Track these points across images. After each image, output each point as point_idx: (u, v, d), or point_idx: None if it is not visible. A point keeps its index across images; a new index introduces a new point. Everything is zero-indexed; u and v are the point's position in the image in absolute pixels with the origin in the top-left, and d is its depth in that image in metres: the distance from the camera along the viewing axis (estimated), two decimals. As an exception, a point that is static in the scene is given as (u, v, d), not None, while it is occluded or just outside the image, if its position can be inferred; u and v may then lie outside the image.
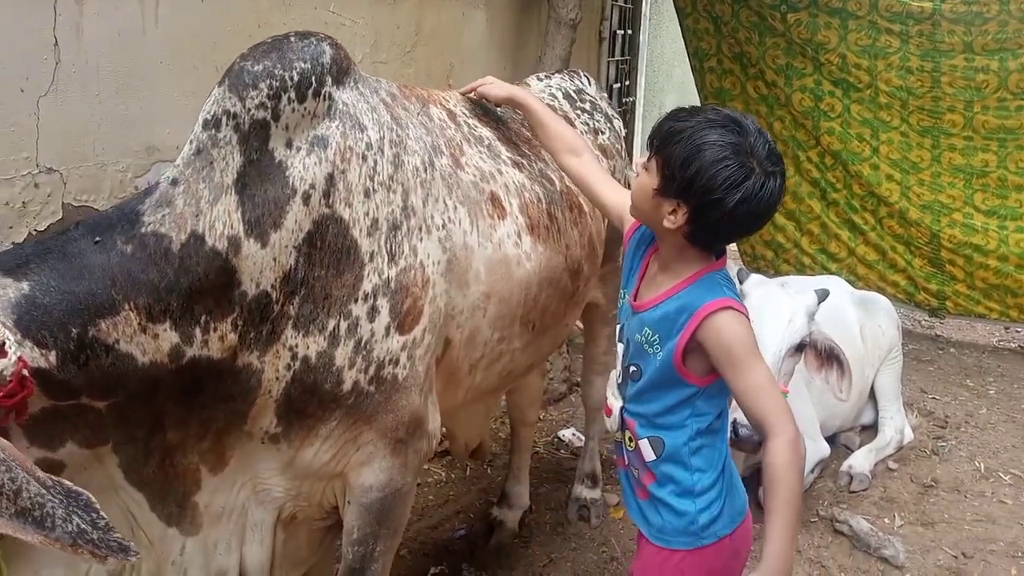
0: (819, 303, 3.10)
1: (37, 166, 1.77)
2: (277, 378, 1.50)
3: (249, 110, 1.42)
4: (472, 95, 2.13)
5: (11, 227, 1.74)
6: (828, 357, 3.08)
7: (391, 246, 1.60)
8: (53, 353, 1.22)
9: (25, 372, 1.15)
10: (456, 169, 1.85)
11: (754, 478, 3.43)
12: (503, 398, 3.35)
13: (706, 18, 5.24)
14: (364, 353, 1.57)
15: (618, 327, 1.75)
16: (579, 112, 2.57)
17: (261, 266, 1.43)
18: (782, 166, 1.47)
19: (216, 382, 1.45)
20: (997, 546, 3.11)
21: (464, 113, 2.06)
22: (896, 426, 3.81)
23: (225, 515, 1.62)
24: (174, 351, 1.35)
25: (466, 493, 3.44)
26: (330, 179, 1.51)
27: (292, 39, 1.52)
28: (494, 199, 1.93)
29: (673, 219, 1.48)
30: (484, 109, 2.17)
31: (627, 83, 6.48)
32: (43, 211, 1.80)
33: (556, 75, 2.75)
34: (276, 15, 2.36)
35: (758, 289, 3.13)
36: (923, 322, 5.51)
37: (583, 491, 3.27)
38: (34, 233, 1.77)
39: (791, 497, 1.42)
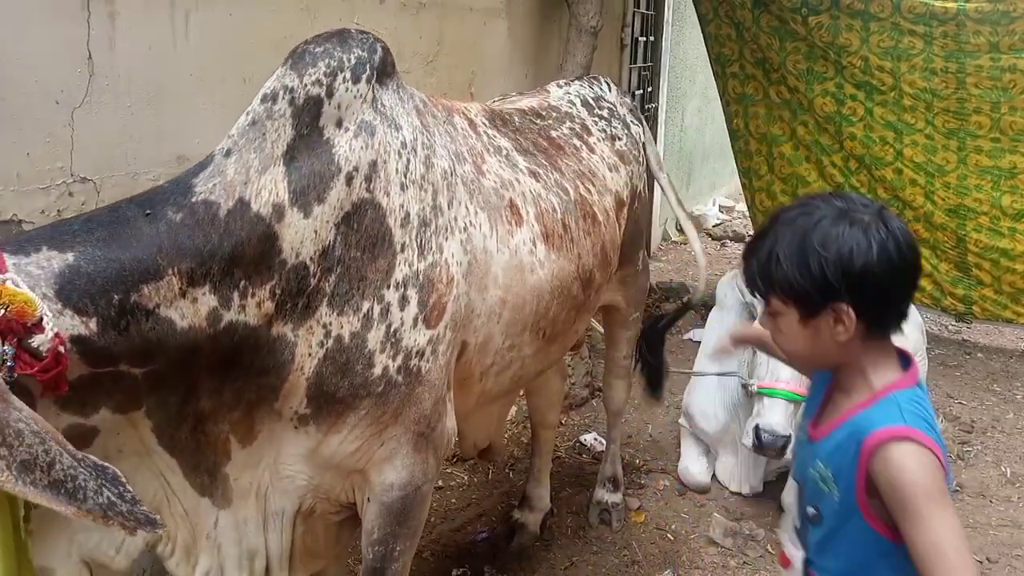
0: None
1: (72, 175, 1.84)
2: (310, 354, 1.53)
3: (305, 86, 1.49)
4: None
5: (47, 234, 1.80)
6: None
7: (421, 240, 1.65)
8: (94, 320, 1.25)
9: (61, 348, 1.18)
10: (478, 176, 1.89)
11: (779, 480, 3.45)
12: (523, 401, 3.39)
13: (728, 24, 5.24)
14: (394, 340, 1.60)
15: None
16: (596, 119, 2.61)
17: (302, 236, 1.47)
18: (877, 203, 1.31)
19: (252, 352, 1.48)
20: (1023, 551, 3.08)
21: (484, 124, 2.11)
22: (920, 431, 3.78)
23: (252, 492, 1.65)
24: (212, 315, 1.39)
25: (488, 496, 3.47)
26: (373, 166, 1.57)
27: (353, 31, 1.60)
28: (513, 206, 1.97)
29: (842, 328, 1.27)
30: (503, 120, 2.21)
31: (649, 89, 6.50)
32: (78, 219, 1.86)
33: (576, 81, 2.79)
34: (302, 28, 2.42)
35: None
36: (950, 327, 5.45)
37: (604, 495, 3.28)
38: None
39: None
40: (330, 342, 1.54)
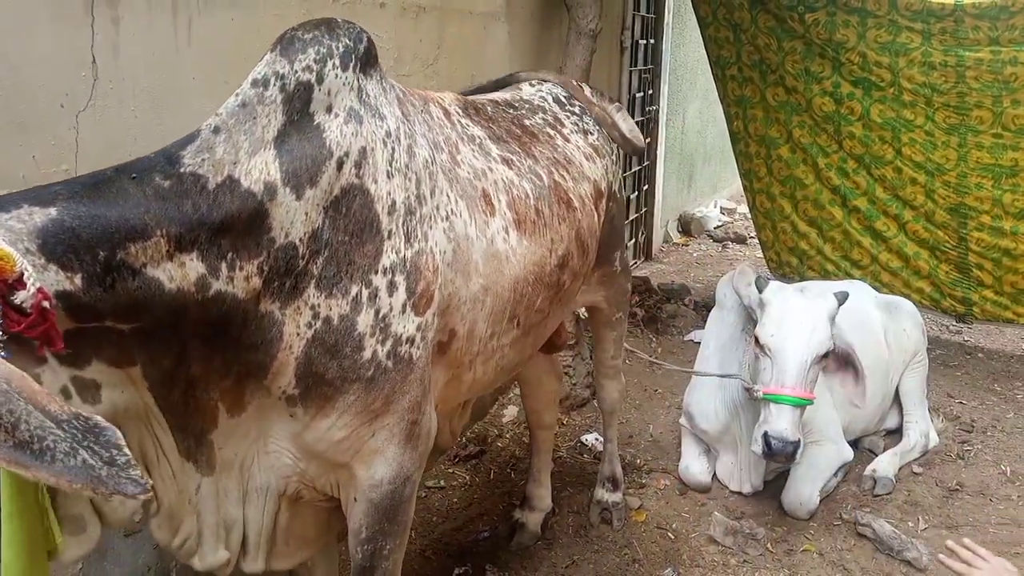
0: (839, 306, 3.11)
1: (76, 178, 1.86)
2: (298, 334, 1.53)
3: (296, 72, 1.50)
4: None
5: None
6: (845, 363, 3.09)
7: (407, 228, 1.66)
8: (79, 275, 1.23)
9: (46, 304, 1.15)
10: (454, 165, 1.90)
11: (779, 480, 3.47)
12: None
13: (726, 26, 5.26)
14: (383, 325, 1.61)
15: None
16: (569, 113, 2.61)
17: (292, 217, 1.48)
18: None
19: (240, 326, 1.48)
20: (1022, 549, 3.10)
21: (458, 112, 2.11)
22: (921, 430, 3.80)
23: (236, 464, 1.65)
24: (200, 281, 1.38)
25: (490, 496, 3.49)
26: (362, 152, 1.58)
27: (340, 20, 1.62)
28: (485, 196, 1.97)
29: None
30: (476, 109, 2.22)
31: (650, 92, 6.52)
32: (82, 221, 1.88)
33: (547, 83, 2.75)
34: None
35: (778, 296, 3.15)
36: (950, 327, 5.46)
37: (604, 494, 3.31)
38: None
39: None
40: (318, 323, 1.55)
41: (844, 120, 5.07)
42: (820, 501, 3.37)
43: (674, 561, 3.08)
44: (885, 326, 3.87)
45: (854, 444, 3.68)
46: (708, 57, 5.54)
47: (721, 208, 8.88)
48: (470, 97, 2.31)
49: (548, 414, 3.24)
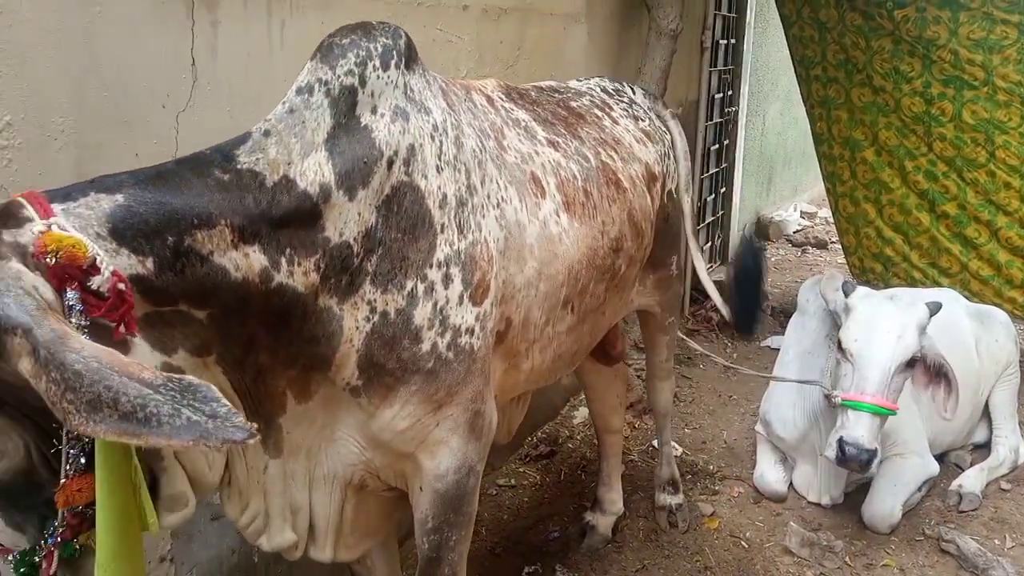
0: (930, 316, 3.01)
1: (175, 176, 1.93)
2: (358, 328, 1.56)
3: (339, 76, 1.53)
4: None
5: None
6: (936, 374, 2.98)
7: (459, 220, 1.67)
8: (150, 260, 1.26)
9: (121, 286, 1.18)
10: (501, 151, 1.90)
11: (859, 492, 3.37)
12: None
13: (811, 25, 5.13)
14: (441, 318, 1.63)
15: None
16: (617, 100, 2.58)
17: (346, 217, 1.51)
18: None
19: (301, 319, 1.51)
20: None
21: (501, 98, 2.10)
22: (1011, 445, 3.65)
23: (304, 450, 1.69)
24: (264, 273, 1.42)
25: (560, 497, 3.50)
26: (411, 149, 1.60)
27: (375, 22, 1.64)
28: (534, 179, 1.96)
29: None
30: (519, 94, 2.21)
31: (729, 93, 6.42)
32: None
33: (594, 78, 2.74)
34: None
35: (865, 302, 3.07)
36: (1045, 339, 5.21)
37: (666, 498, 3.32)
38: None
39: None
40: (376, 317, 1.57)
41: (935, 121, 4.89)
42: (902, 515, 3.27)
43: (747, 570, 3.03)
44: (976, 336, 3.73)
45: (940, 458, 3.55)
46: (791, 57, 5.41)
47: (801, 212, 8.66)
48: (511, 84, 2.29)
49: (615, 418, 3.22)
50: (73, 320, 1.13)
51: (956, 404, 2.94)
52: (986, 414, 3.78)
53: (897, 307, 3.01)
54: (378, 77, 1.58)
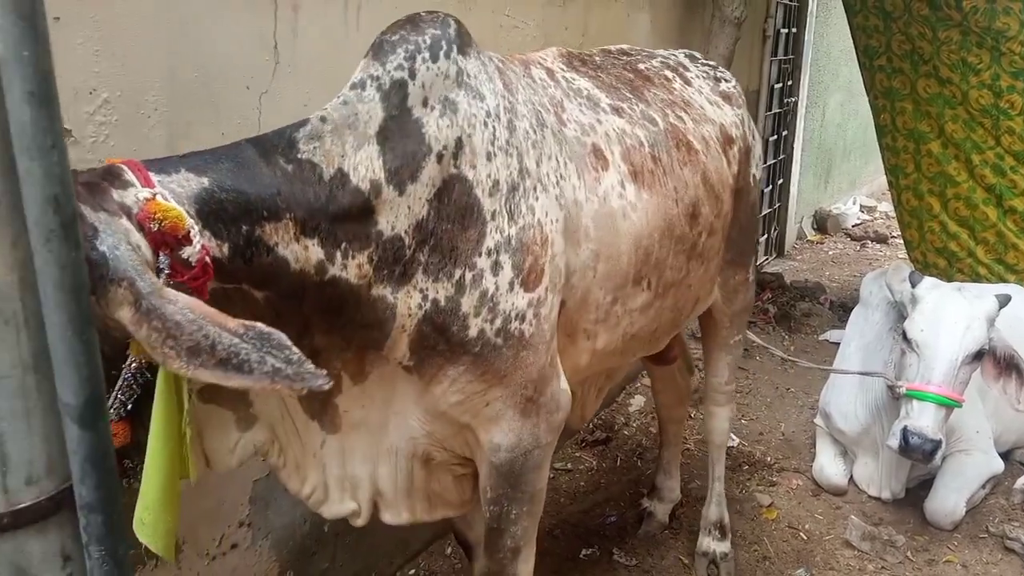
0: (1000, 308, 2.95)
1: (257, 156, 1.99)
2: (410, 315, 1.60)
3: (389, 72, 1.55)
4: None
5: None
6: (1008, 366, 2.92)
7: (510, 206, 1.67)
8: (226, 245, 1.34)
9: (207, 259, 1.28)
10: (561, 126, 1.88)
11: (921, 488, 3.32)
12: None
13: (875, 15, 5.03)
14: (490, 305, 1.65)
15: None
16: (696, 65, 2.52)
17: (397, 212, 1.54)
18: None
19: (354, 307, 1.56)
20: None
21: (561, 68, 2.07)
22: (1080, 445, 3.55)
23: (363, 426, 1.74)
24: (319, 265, 1.47)
25: (616, 482, 3.51)
26: (459, 143, 1.61)
27: (422, 14, 1.66)
28: (596, 151, 1.92)
29: None
30: (582, 60, 2.17)
31: (789, 83, 6.33)
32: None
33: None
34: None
35: (933, 293, 3.02)
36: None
37: (710, 543, 2.95)
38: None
39: None
40: (428, 304, 1.61)
41: (1003, 114, 4.76)
42: (966, 512, 3.21)
43: (807, 562, 3.02)
44: (1045, 333, 3.63)
45: (1005, 456, 3.48)
46: (855, 46, 5.31)
47: (861, 206, 8.50)
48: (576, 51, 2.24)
49: (678, 409, 3.20)
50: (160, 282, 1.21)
51: None
52: (1055, 412, 3.69)
53: (965, 298, 2.96)
54: (427, 69, 1.59)
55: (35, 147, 0.79)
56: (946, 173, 5.14)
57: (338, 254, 1.50)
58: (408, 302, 1.60)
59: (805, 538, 3.17)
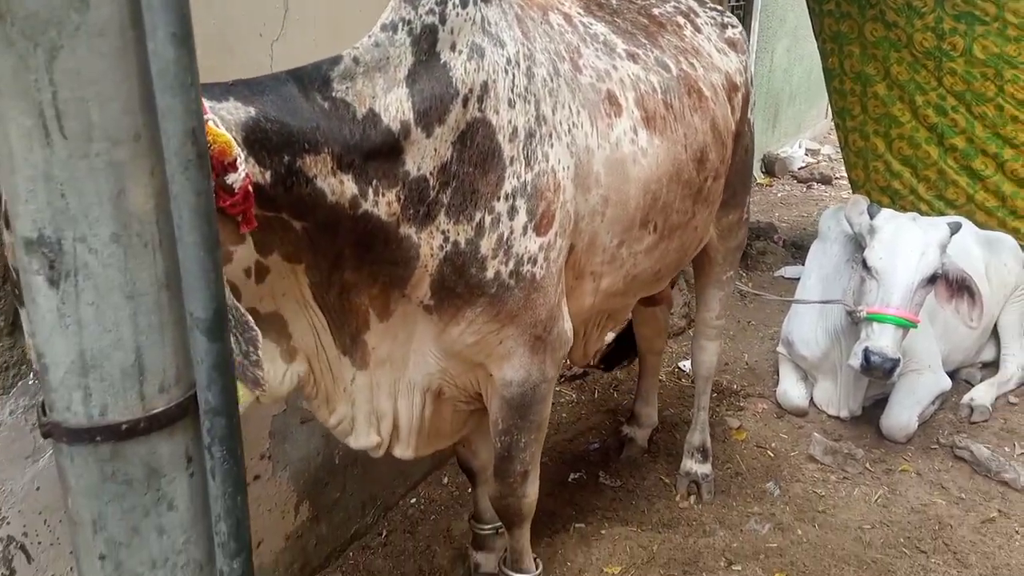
0: (951, 235, 3.18)
1: (269, 101, 2.06)
2: (432, 255, 1.70)
3: (421, 16, 1.60)
4: None
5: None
6: (959, 288, 3.16)
7: (527, 152, 1.75)
8: (268, 172, 1.41)
9: (249, 187, 1.33)
10: (576, 73, 1.94)
11: (877, 407, 3.59)
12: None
13: (824, -39, 5.20)
14: (505, 248, 1.74)
15: None
16: (707, 11, 2.59)
17: (424, 153, 1.62)
18: None
19: (383, 244, 1.65)
20: None
21: (579, 13, 2.12)
22: (1019, 362, 3.87)
23: (389, 362, 1.86)
24: (353, 200, 1.56)
25: (596, 413, 3.71)
26: (484, 87, 1.68)
27: None
28: (610, 97, 1.98)
29: None
30: (599, 4, 2.22)
31: (741, 28, 6.48)
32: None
33: None
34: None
35: (890, 223, 3.24)
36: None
37: (693, 465, 3.15)
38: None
39: None
40: (448, 246, 1.70)
41: (945, 56, 4.99)
42: (918, 426, 3.49)
43: (775, 476, 3.26)
44: (986, 261, 3.92)
45: (952, 375, 3.77)
46: (805, -8, 5.48)
47: (806, 149, 8.79)
48: None
49: (658, 341, 3.39)
50: None
51: (981, 314, 3.13)
52: (994, 334, 4.00)
53: (920, 227, 3.19)
54: (457, 14, 1.64)
55: (177, 84, 0.88)
56: (891, 114, 5.38)
57: (370, 190, 1.57)
58: (431, 242, 1.69)
59: (772, 455, 3.41)
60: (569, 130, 1.86)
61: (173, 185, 0.93)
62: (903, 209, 5.50)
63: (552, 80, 1.85)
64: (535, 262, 1.80)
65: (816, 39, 5.60)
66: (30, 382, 1.65)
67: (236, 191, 1.32)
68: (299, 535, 2.50)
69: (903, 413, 3.46)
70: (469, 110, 1.67)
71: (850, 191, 5.95)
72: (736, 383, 4.02)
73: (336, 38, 2.17)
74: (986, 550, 2.80)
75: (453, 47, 1.64)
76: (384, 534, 2.86)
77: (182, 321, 1.00)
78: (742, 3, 6.42)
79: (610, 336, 4.31)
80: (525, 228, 1.76)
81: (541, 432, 2.09)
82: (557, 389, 3.88)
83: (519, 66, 1.76)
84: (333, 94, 1.53)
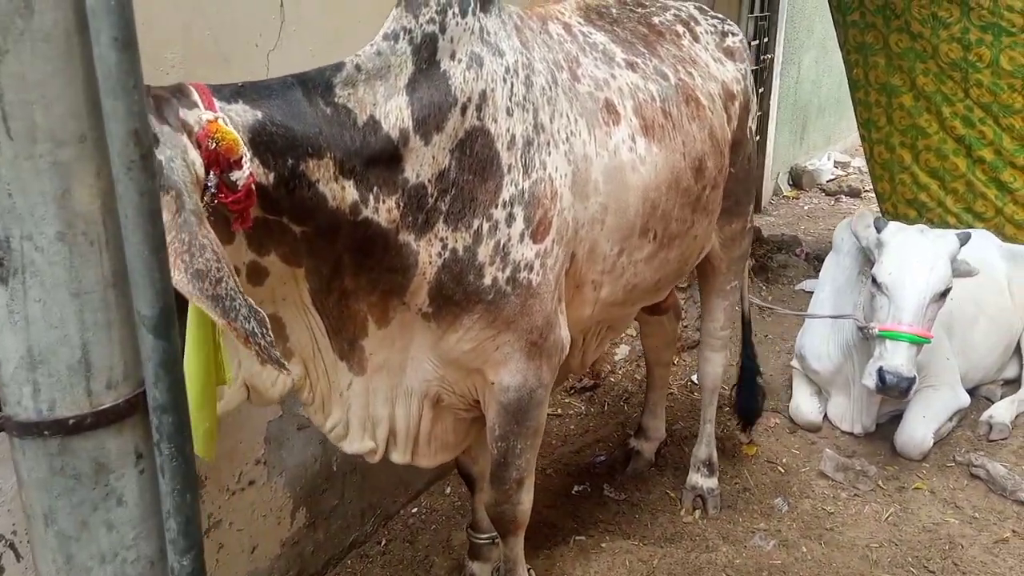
0: (960, 246, 3.12)
1: (264, 111, 2.09)
2: (430, 262, 1.72)
3: (421, 25, 1.64)
4: None
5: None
6: None
7: (525, 160, 1.77)
8: (272, 174, 1.45)
9: (252, 186, 1.38)
10: (574, 82, 1.96)
11: (892, 423, 3.52)
12: (636, 341, 3.56)
13: (848, -29, 5.15)
14: (503, 254, 1.76)
15: None
16: (707, 17, 2.58)
17: (422, 160, 1.65)
18: None
19: (382, 251, 1.67)
20: None
21: (579, 23, 2.14)
22: (1041, 380, 3.77)
23: (386, 368, 1.87)
24: (354, 206, 1.59)
25: (604, 425, 3.69)
26: (483, 95, 1.71)
27: None
28: (608, 106, 1.99)
29: None
30: (599, 13, 2.23)
31: (765, 40, 6.44)
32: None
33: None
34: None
35: (898, 236, 3.19)
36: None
37: (699, 480, 3.11)
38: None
39: None
40: (447, 253, 1.72)
41: (972, 67, 4.91)
42: (934, 444, 3.41)
43: (784, 492, 3.21)
44: (1009, 275, 3.83)
45: (971, 392, 3.68)
46: (828, 3, 5.43)
47: (835, 162, 8.67)
48: (594, 2, 2.30)
49: (666, 352, 3.37)
50: (204, 199, 1.33)
51: None
52: (1017, 351, 3.89)
53: (928, 239, 3.13)
54: (457, 24, 1.68)
55: (120, 87, 0.90)
56: (917, 125, 5.30)
57: (371, 197, 1.61)
58: (429, 250, 1.71)
59: (783, 471, 3.36)
60: (567, 138, 1.88)
61: (118, 185, 0.95)
62: (930, 222, 5.43)
63: (550, 89, 1.87)
64: (532, 269, 1.81)
65: (841, 50, 5.54)
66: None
67: (239, 188, 1.37)
68: (295, 542, 2.52)
69: (918, 429, 3.38)
70: (468, 118, 1.69)
71: (877, 203, 5.86)
72: (750, 397, 3.95)
73: (333, 47, 2.21)
74: (997, 571, 2.72)
75: (453, 56, 1.67)
76: (383, 543, 2.87)
77: (130, 319, 1.02)
78: (767, 14, 6.38)
79: (623, 350, 4.30)
80: (522, 235, 1.78)
81: (537, 438, 2.09)
82: (566, 401, 3.87)
83: (517, 75, 1.79)
84: (336, 100, 1.57)
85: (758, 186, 7.05)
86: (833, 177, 8.25)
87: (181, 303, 1.28)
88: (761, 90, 6.60)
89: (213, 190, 1.33)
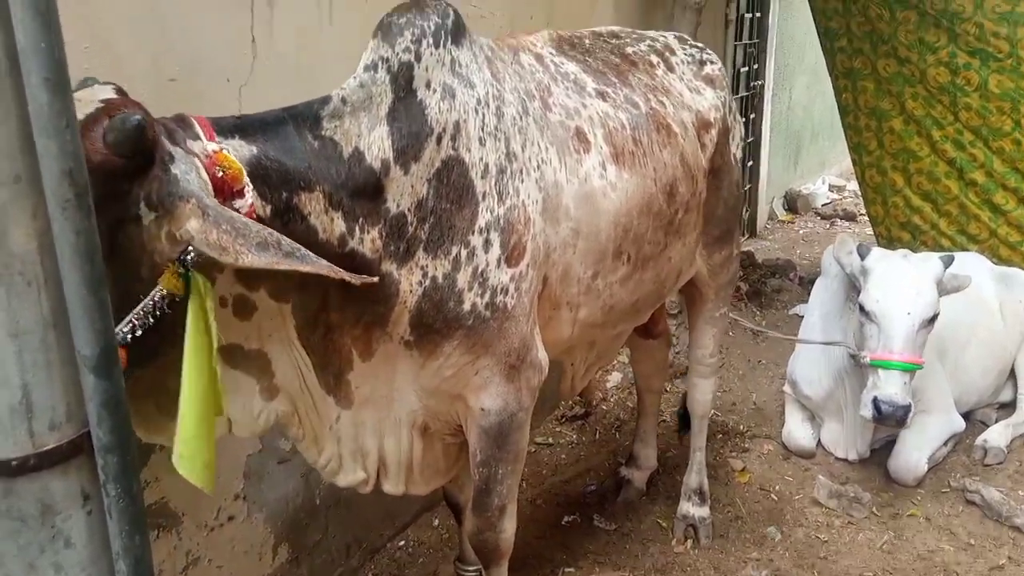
0: (945, 269, 3.10)
1: (238, 147, 2.10)
2: (411, 291, 1.74)
3: (398, 54, 1.69)
4: None
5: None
6: None
7: (499, 187, 1.81)
8: (269, 207, 1.51)
9: (254, 214, 1.44)
10: (545, 111, 2.00)
11: (886, 448, 3.48)
12: (628, 368, 3.53)
13: (835, -3, 5.19)
14: (481, 280, 1.79)
15: None
16: (685, 46, 2.60)
17: (402, 190, 1.69)
18: None
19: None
20: None
21: (551, 53, 2.18)
22: (1035, 403, 3.73)
23: (371, 402, 1.87)
24: (341, 238, 1.63)
25: (595, 454, 3.65)
26: (456, 126, 1.75)
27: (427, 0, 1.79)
28: (579, 134, 2.03)
29: None
30: (571, 44, 2.27)
31: (755, 66, 6.48)
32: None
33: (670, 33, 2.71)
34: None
35: (881, 263, 3.17)
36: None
37: (690, 508, 3.08)
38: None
39: None
40: (427, 281, 1.75)
41: (960, 91, 4.92)
42: (928, 470, 3.37)
43: (777, 520, 3.17)
44: (1001, 298, 3.81)
45: (966, 416, 3.64)
46: (816, 29, 5.47)
47: (830, 185, 8.68)
48: (567, 33, 2.32)
49: (656, 379, 3.34)
50: None
51: None
52: (1012, 375, 3.86)
53: (912, 264, 3.12)
54: (431, 54, 1.73)
55: (51, 127, 0.90)
56: (908, 149, 5.30)
57: (356, 228, 1.65)
58: (410, 279, 1.74)
59: (776, 498, 3.32)
60: (538, 166, 1.91)
61: (54, 224, 0.95)
62: (924, 245, 5.42)
63: (521, 119, 1.90)
64: (507, 292, 1.84)
65: (830, 75, 5.56)
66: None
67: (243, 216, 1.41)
68: (277, 577, 2.49)
69: (912, 455, 3.34)
70: (443, 148, 1.73)
71: (871, 227, 5.85)
72: (743, 423, 3.93)
73: (306, 82, 2.22)
74: (992, 599, 2.67)
75: (428, 85, 1.72)
76: (369, 577, 2.83)
77: (73, 359, 1.01)
78: (755, 41, 6.43)
79: (615, 377, 4.28)
80: (499, 260, 1.82)
81: (519, 464, 2.09)
82: (557, 429, 3.84)
83: (488, 106, 1.83)
84: (323, 133, 1.62)
85: (753, 211, 7.05)
86: (828, 201, 8.25)
87: (135, 339, 1.29)
88: (752, 116, 6.63)
89: None
